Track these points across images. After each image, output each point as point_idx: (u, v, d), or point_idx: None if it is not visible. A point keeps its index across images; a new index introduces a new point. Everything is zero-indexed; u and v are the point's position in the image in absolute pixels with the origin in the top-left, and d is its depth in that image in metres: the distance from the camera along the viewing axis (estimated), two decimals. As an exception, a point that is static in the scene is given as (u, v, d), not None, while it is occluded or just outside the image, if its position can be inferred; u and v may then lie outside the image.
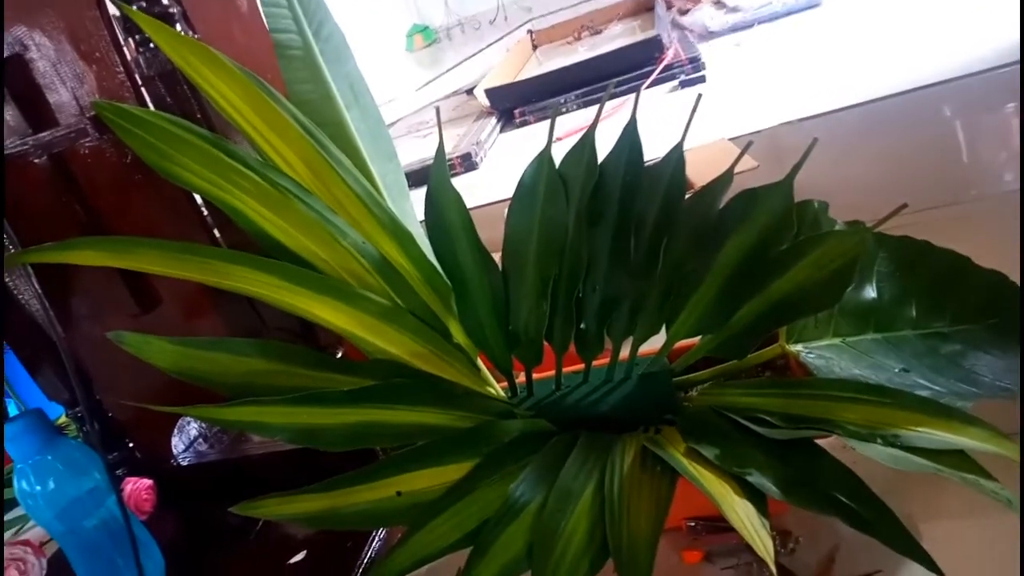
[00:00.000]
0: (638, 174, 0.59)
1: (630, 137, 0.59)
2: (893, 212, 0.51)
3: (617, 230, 0.59)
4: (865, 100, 1.12)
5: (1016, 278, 0.61)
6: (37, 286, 0.65)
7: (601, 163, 0.59)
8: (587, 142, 0.59)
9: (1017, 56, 1.05)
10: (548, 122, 0.59)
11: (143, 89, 0.62)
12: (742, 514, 0.46)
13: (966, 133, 1.11)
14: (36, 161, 0.67)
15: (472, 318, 0.61)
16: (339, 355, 0.71)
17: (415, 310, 0.60)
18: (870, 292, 0.63)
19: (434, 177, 0.60)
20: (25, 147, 0.64)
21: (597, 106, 0.59)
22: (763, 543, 0.44)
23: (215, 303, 0.74)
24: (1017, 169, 1.11)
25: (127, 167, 0.66)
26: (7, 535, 0.82)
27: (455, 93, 2.18)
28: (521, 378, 0.64)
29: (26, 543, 0.74)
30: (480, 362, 0.63)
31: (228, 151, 0.52)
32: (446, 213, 0.60)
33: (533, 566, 0.49)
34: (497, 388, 0.63)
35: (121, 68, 0.62)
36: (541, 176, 0.60)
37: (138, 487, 0.81)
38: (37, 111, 0.66)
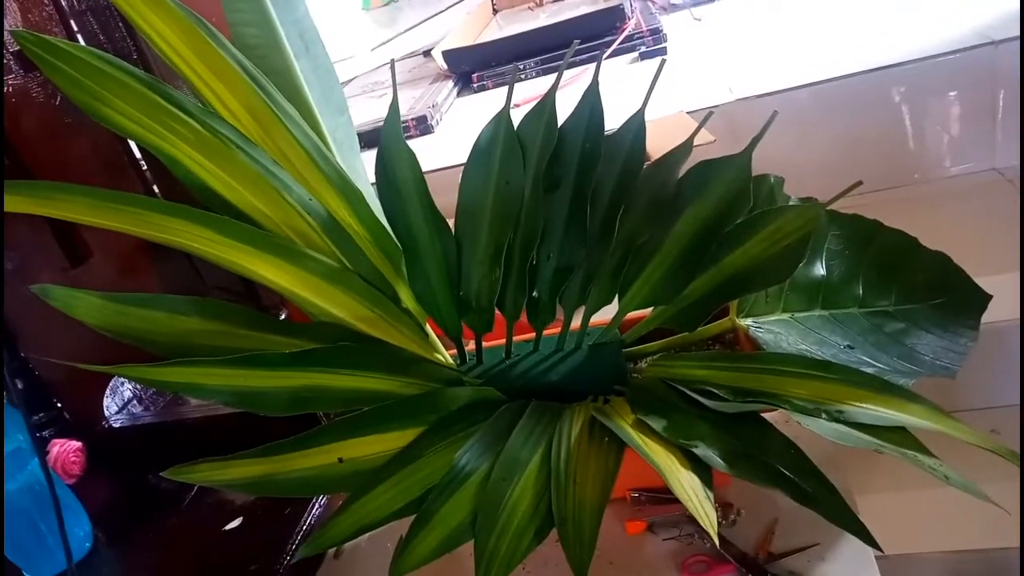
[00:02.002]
0: (598, 140, 0.57)
1: (591, 101, 0.57)
2: (847, 189, 0.51)
3: (574, 197, 0.58)
4: (819, 80, 1.13)
5: (959, 261, 0.62)
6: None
7: (560, 127, 0.58)
8: (547, 104, 0.57)
9: (958, 46, 1.07)
10: (506, 88, 0.57)
11: (73, 24, 0.58)
12: (687, 486, 0.46)
13: (913, 118, 1.13)
14: (-45, 101, 0.62)
15: (422, 282, 0.59)
16: (282, 316, 0.69)
17: (363, 272, 0.57)
18: (819, 269, 0.63)
19: (386, 133, 0.58)
20: (-59, 83, 0.59)
21: (556, 74, 0.57)
22: (707, 515, 0.44)
23: (151, 259, 0.71)
24: (956, 155, 1.14)
25: (56, 110, 0.62)
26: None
27: (412, 54, 2.13)
28: (471, 345, 0.63)
29: (-58, 505, 0.70)
30: (429, 328, 0.61)
31: (165, 94, 0.49)
32: (398, 171, 0.58)
33: (476, 535, 0.48)
34: (446, 355, 0.62)
35: (49, 0, 0.57)
36: (499, 138, 0.58)
37: (66, 449, 0.77)
38: (-47, 44, 0.61)
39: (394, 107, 0.57)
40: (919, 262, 0.63)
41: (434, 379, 0.58)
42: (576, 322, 0.61)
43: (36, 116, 0.63)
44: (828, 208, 0.52)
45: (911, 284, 0.63)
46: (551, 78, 0.66)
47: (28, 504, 0.63)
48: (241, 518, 0.67)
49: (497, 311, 0.60)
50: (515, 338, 0.62)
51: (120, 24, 0.58)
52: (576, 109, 0.57)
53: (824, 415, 0.50)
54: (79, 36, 0.58)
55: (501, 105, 0.58)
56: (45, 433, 0.81)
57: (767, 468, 0.48)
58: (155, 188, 0.64)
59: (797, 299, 0.62)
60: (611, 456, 0.51)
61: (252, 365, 0.52)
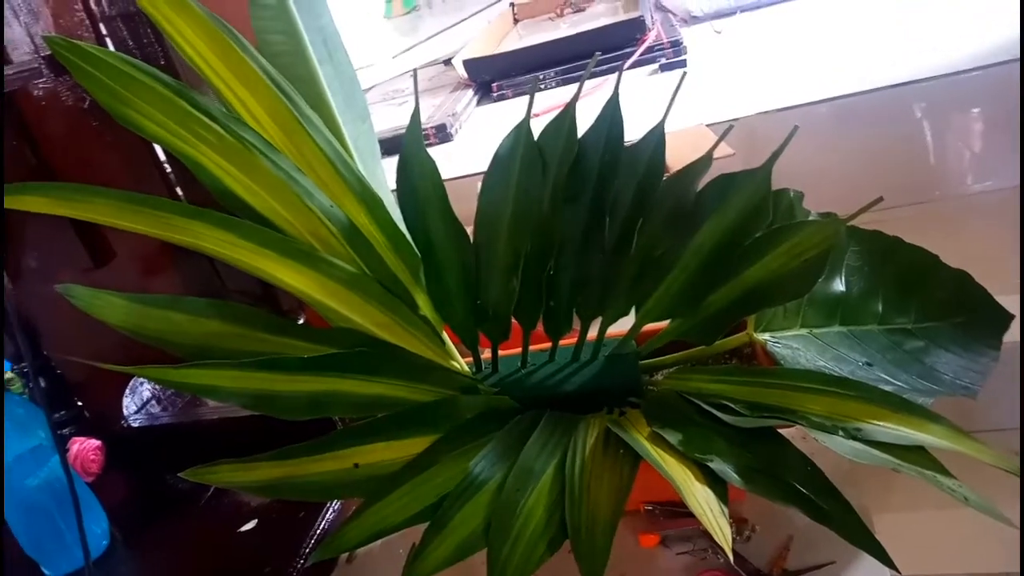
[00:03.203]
0: (618, 152, 0.58)
1: (611, 113, 0.57)
2: (868, 206, 0.51)
3: (593, 208, 0.58)
4: (841, 94, 1.12)
5: (979, 279, 0.62)
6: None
7: (580, 138, 0.58)
8: (568, 115, 0.57)
9: (982, 62, 1.06)
10: (526, 98, 0.58)
11: (102, 28, 0.59)
12: (702, 500, 0.46)
13: (934, 134, 1.12)
14: (-14, 101, 0.63)
15: (440, 290, 0.60)
16: (300, 321, 0.69)
17: (382, 279, 0.58)
18: (839, 285, 0.63)
19: (408, 142, 0.58)
20: (-27, 85, 0.60)
21: (576, 84, 0.58)
22: (722, 530, 0.44)
23: (173, 261, 0.72)
24: (978, 172, 1.13)
25: (84, 113, 0.63)
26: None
27: (433, 63, 2.14)
28: (486, 354, 0.63)
29: (-37, 500, 0.71)
30: (446, 335, 0.61)
31: (191, 100, 0.50)
32: (419, 180, 0.58)
33: (489, 544, 0.48)
34: (462, 363, 0.62)
35: (80, 5, 0.58)
36: (519, 148, 0.59)
37: (85, 447, 0.78)
38: (-13, 47, 0.62)
39: (415, 116, 0.58)
40: (940, 279, 0.62)
41: (450, 386, 0.58)
42: (593, 333, 0.61)
43: (64, 119, 0.64)
44: (848, 224, 0.52)
45: (931, 302, 0.62)
46: (571, 88, 0.66)
47: (47, 500, 0.64)
48: (256, 520, 0.67)
49: (514, 320, 0.60)
50: (531, 347, 0.62)
51: (149, 30, 0.59)
52: (596, 121, 0.58)
53: (841, 432, 0.49)
54: (108, 41, 0.59)
55: (520, 115, 0.58)
56: (65, 431, 0.82)
57: (783, 485, 0.48)
58: (179, 191, 0.65)
59: (816, 315, 0.62)
60: (626, 468, 0.51)
61: (269, 368, 0.53)
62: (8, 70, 0.61)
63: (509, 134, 0.59)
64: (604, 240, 0.58)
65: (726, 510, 0.46)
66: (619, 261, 0.58)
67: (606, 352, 0.61)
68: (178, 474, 0.52)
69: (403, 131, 0.59)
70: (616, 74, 0.57)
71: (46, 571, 0.67)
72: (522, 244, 0.58)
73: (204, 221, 0.52)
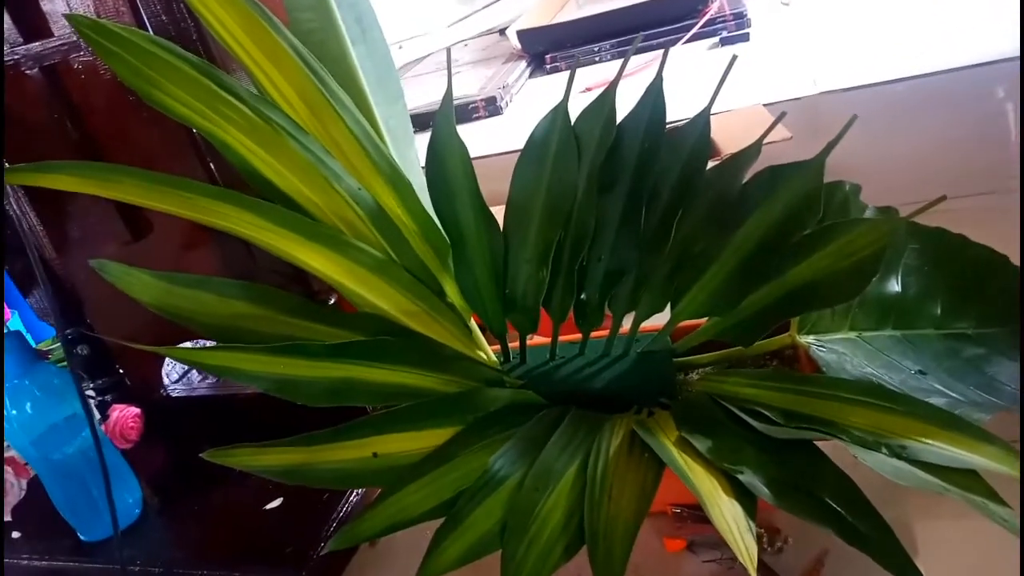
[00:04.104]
0: (658, 139, 0.55)
1: (653, 97, 0.54)
2: (930, 204, 0.47)
3: (630, 198, 0.55)
4: (914, 74, 1.05)
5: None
6: (17, 205, 0.62)
7: (620, 123, 0.55)
8: (607, 99, 0.55)
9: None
10: (582, 70, 0.55)
11: (139, 5, 0.58)
12: (728, 515, 0.44)
13: (1017, 118, 1.04)
14: (28, 73, 0.63)
15: (468, 278, 0.58)
16: (331, 301, 0.69)
17: (409, 265, 0.57)
18: (894, 285, 0.59)
19: (438, 125, 0.56)
20: (15, 57, 0.60)
21: (633, 57, 0.54)
22: (747, 549, 0.41)
23: (209, 237, 0.72)
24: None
25: (122, 88, 0.62)
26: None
27: (487, 32, 2.10)
28: (516, 343, 0.61)
29: (10, 461, 0.74)
30: (474, 324, 0.60)
31: (217, 80, 0.49)
32: (449, 163, 0.56)
33: (504, 545, 0.47)
34: (489, 352, 0.60)
35: (115, -19, 0.58)
36: (554, 132, 0.56)
37: (124, 415, 0.80)
38: (29, 20, 0.62)
39: (448, 96, 0.56)
40: (1006, 282, 0.57)
41: (474, 378, 0.57)
42: (626, 327, 0.58)
43: (104, 93, 0.65)
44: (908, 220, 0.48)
45: (995, 306, 0.58)
46: (631, 61, 0.62)
47: (83, 468, 0.66)
48: (282, 498, 0.68)
49: (545, 311, 0.58)
50: (562, 339, 0.60)
51: (181, 5, 0.58)
52: (637, 105, 0.55)
53: (885, 450, 0.46)
54: (144, 17, 0.59)
55: (575, 89, 0.55)
56: (107, 398, 0.84)
57: (817, 503, 0.45)
58: (212, 167, 0.64)
59: (866, 317, 0.58)
60: (650, 473, 0.49)
61: (292, 353, 0.52)
62: (48, 43, 0.61)
63: (545, 116, 0.57)
64: (641, 231, 0.55)
65: (753, 526, 0.44)
66: (656, 254, 0.55)
67: (638, 348, 0.59)
68: (200, 455, 0.53)
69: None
70: (673, 48, 0.54)
71: (82, 536, 0.69)
72: (554, 233, 0.55)
73: (229, 202, 0.51)
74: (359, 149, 0.54)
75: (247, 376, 0.52)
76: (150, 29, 0.61)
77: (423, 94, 1.56)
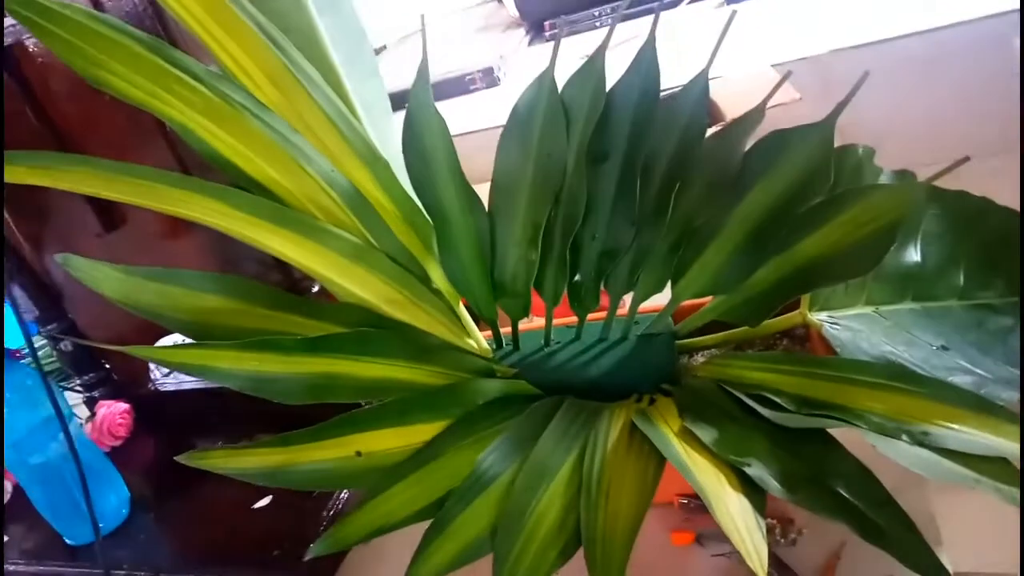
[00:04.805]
0: (652, 105, 0.50)
1: (646, 61, 0.50)
2: (952, 165, 0.43)
3: (623, 170, 0.51)
4: (931, 27, 0.99)
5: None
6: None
7: (610, 90, 0.51)
8: (595, 64, 0.50)
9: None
10: (581, 37, 0.51)
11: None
12: (734, 512, 0.40)
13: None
14: (-17, 58, 0.60)
15: (454, 261, 0.54)
16: (315, 290, 0.65)
17: (389, 250, 0.53)
18: (913, 255, 0.54)
19: (414, 98, 0.52)
20: (-34, 42, 0.57)
21: (637, 21, 0.50)
22: (755, 551, 0.38)
23: (190, 225, 0.68)
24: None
25: (82, 70, 0.59)
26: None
27: (485, 1, 2.04)
28: (509, 328, 0.57)
29: (-8, 465, 0.72)
30: (463, 310, 0.56)
31: (169, 57, 0.45)
32: (427, 139, 0.52)
33: (495, 550, 0.44)
34: (480, 339, 0.57)
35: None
36: (540, 102, 0.52)
37: (112, 412, 0.77)
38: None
39: (423, 68, 0.52)
40: (1035, 248, 0.53)
41: (462, 368, 0.53)
42: (624, 309, 0.54)
43: (65, 76, 0.61)
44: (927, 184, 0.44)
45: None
46: (632, 25, 0.58)
47: (63, 471, 0.63)
48: (271, 496, 0.65)
49: (537, 295, 0.54)
50: (557, 322, 0.57)
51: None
52: (628, 70, 0.50)
53: (905, 437, 0.42)
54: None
55: (573, 57, 0.51)
56: (94, 394, 0.82)
57: (831, 495, 0.41)
58: (179, 152, 0.61)
59: (883, 289, 0.54)
60: (651, 466, 0.45)
61: (265, 349, 0.49)
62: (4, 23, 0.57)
63: (530, 86, 0.52)
64: (637, 206, 0.51)
65: (763, 523, 0.40)
66: (653, 230, 0.51)
67: (638, 331, 0.55)
68: (175, 458, 0.50)
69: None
70: (677, 8, 0.49)
71: (67, 540, 0.67)
72: (542, 213, 0.51)
73: (189, 189, 0.48)
74: (331, 127, 0.51)
75: (219, 374, 0.49)
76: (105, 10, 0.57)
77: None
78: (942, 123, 0.99)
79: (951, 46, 0.99)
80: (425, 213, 0.53)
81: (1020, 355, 0.49)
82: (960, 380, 0.48)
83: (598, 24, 1.49)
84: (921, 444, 0.42)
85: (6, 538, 0.71)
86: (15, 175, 0.46)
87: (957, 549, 0.50)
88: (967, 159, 0.42)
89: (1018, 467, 0.41)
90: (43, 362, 0.87)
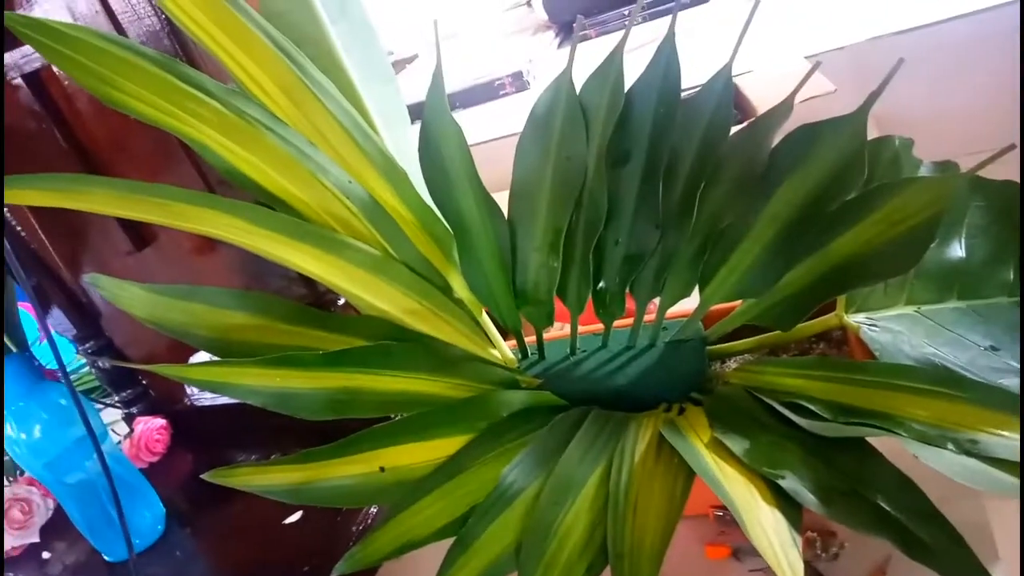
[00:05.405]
0: (674, 103, 0.49)
1: (666, 58, 0.48)
2: (996, 155, 0.40)
3: (646, 172, 0.50)
4: (972, 10, 0.95)
5: None
6: (22, 225, 0.60)
7: (629, 90, 0.49)
8: (612, 63, 0.49)
9: None
10: (610, 38, 0.49)
11: (111, 4, 0.55)
12: (768, 527, 0.38)
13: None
14: (13, 83, 0.61)
15: (476, 269, 0.53)
16: (341, 303, 0.65)
17: (409, 261, 0.52)
18: (957, 250, 0.51)
19: (430, 106, 0.51)
20: (-2, 68, 0.58)
21: (666, 19, 0.49)
22: (792, 570, 0.36)
23: (217, 240, 0.69)
24: None
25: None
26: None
27: (516, 6, 2.04)
28: (533, 338, 0.56)
29: (33, 483, 0.73)
30: (486, 319, 0.55)
31: (182, 74, 0.45)
32: (444, 148, 0.52)
33: (520, 567, 0.43)
34: (505, 349, 0.56)
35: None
36: (558, 106, 0.51)
37: (150, 428, 0.78)
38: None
39: (438, 74, 0.51)
40: (1090, 239, 0.50)
41: (486, 380, 0.52)
42: (652, 316, 0.53)
43: (90, 97, 0.61)
44: (970, 176, 0.41)
45: (1078, 267, 0.50)
46: (662, 23, 0.56)
47: (99, 489, 0.64)
48: (301, 511, 0.65)
49: (562, 303, 0.53)
50: (583, 329, 0.55)
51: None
52: (648, 68, 0.49)
53: (951, 446, 0.40)
54: (117, 16, 0.55)
55: (603, 57, 0.49)
56: (132, 410, 0.83)
57: (872, 509, 0.39)
58: (201, 168, 0.61)
59: (925, 288, 0.51)
60: (680, 479, 0.44)
61: (286, 365, 0.49)
62: (28, 51, 0.58)
63: (547, 88, 0.51)
64: (660, 208, 0.49)
65: (799, 539, 0.38)
66: (679, 232, 0.50)
67: (666, 338, 0.53)
68: (201, 476, 0.50)
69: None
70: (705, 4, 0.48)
71: (106, 557, 0.68)
72: (563, 218, 0.50)
73: (208, 207, 0.48)
74: (347, 138, 0.50)
75: (241, 391, 0.49)
76: (129, 35, 0.57)
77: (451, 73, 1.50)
78: (986, 110, 0.95)
79: (994, 28, 0.94)
80: (444, 222, 0.52)
81: (1020, 355, 0.46)
82: (1009, 383, 0.45)
83: (627, 24, 1.48)
84: (968, 453, 0.39)
85: (48, 555, 0.72)
86: (34, 198, 0.46)
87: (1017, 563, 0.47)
88: (1013, 147, 0.39)
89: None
90: (83, 379, 0.89)
